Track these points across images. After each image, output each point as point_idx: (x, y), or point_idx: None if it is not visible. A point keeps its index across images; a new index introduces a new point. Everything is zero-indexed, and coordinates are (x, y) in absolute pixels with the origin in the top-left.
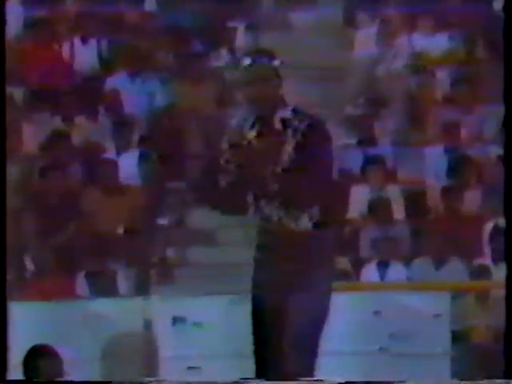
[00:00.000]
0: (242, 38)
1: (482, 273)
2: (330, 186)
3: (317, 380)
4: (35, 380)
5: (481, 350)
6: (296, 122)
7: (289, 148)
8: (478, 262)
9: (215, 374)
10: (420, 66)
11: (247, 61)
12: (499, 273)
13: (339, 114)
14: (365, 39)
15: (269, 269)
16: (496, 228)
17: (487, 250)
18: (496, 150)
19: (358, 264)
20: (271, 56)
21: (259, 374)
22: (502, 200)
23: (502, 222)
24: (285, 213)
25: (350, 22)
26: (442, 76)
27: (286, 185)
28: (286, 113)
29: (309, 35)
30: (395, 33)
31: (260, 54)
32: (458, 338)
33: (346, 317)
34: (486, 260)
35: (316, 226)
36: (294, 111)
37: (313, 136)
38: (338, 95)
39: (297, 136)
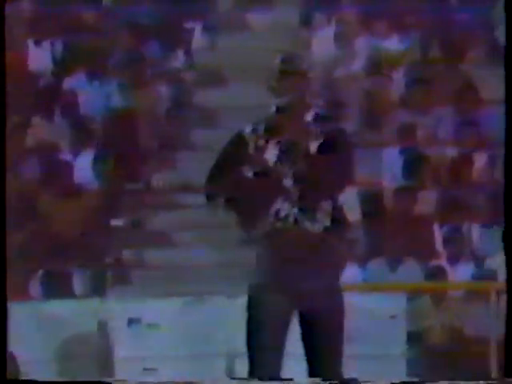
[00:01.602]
0: (198, 39)
1: (437, 274)
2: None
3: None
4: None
5: (437, 351)
6: (320, 125)
7: (312, 148)
8: (433, 263)
9: (170, 374)
10: (376, 67)
11: (281, 57)
12: (454, 274)
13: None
14: (321, 40)
15: (278, 270)
16: (451, 229)
17: (443, 250)
18: (451, 151)
19: None
20: (302, 58)
21: (253, 375)
22: (457, 201)
23: (456, 223)
24: (301, 214)
25: (306, 22)
26: (398, 77)
27: (307, 180)
28: (311, 115)
29: (265, 36)
30: (351, 34)
31: (293, 54)
32: (413, 338)
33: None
34: (442, 261)
35: (330, 227)
36: (318, 115)
37: (336, 139)
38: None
39: (320, 138)
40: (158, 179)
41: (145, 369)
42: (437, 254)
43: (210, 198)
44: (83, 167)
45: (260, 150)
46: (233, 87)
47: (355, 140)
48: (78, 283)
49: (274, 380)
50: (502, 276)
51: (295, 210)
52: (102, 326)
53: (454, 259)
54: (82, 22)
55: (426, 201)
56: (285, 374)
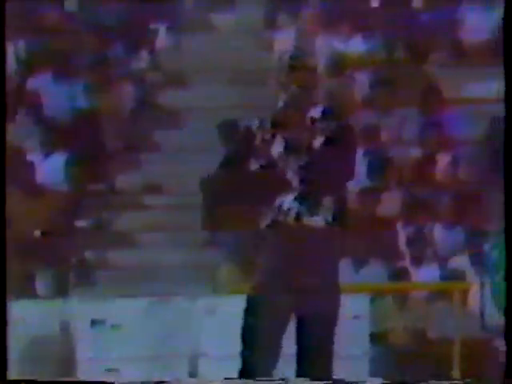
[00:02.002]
0: (162, 40)
1: (400, 274)
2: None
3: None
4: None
5: (399, 352)
6: (325, 122)
7: (317, 144)
8: (396, 263)
9: (133, 375)
10: (339, 68)
11: (290, 52)
12: (418, 274)
13: (260, 115)
14: (284, 40)
15: (279, 265)
16: (415, 230)
17: (406, 251)
18: (415, 152)
19: None
20: (310, 54)
21: (246, 375)
22: (420, 202)
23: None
24: (303, 208)
25: (270, 23)
26: (362, 78)
27: (311, 174)
28: (317, 112)
29: (230, 37)
30: (314, 34)
31: (301, 50)
32: (377, 339)
33: None
34: (405, 262)
35: (331, 222)
36: (324, 111)
37: (341, 136)
38: (259, 98)
39: (326, 134)
40: (123, 180)
41: (107, 369)
42: (400, 254)
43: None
44: (47, 168)
45: (266, 144)
46: (197, 88)
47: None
48: (41, 284)
49: (268, 380)
50: (465, 276)
51: (297, 204)
52: (65, 327)
53: (417, 260)
54: (45, 23)
55: (390, 202)
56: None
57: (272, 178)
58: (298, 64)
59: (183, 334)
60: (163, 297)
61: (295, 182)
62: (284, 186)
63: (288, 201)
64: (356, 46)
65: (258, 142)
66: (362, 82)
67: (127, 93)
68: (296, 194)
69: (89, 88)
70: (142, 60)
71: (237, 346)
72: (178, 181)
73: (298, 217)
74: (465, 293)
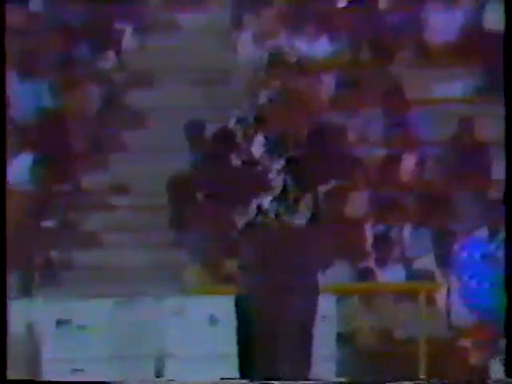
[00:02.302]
0: (129, 40)
1: (366, 275)
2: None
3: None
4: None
5: (366, 352)
6: (309, 117)
7: (302, 140)
8: (363, 264)
9: (99, 376)
10: (304, 68)
11: (269, 49)
12: (384, 275)
13: (225, 116)
14: (248, 41)
15: (261, 267)
16: (381, 230)
17: (372, 252)
18: (381, 152)
19: None
20: (289, 51)
21: (244, 375)
22: (387, 202)
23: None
24: (283, 207)
25: (236, 23)
26: (328, 79)
27: (292, 173)
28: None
29: (196, 37)
30: (276, 34)
31: (280, 47)
32: (343, 339)
33: (233, 319)
34: (371, 262)
35: (311, 221)
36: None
37: (326, 132)
38: (224, 97)
39: (310, 129)
40: (89, 180)
41: (73, 370)
42: (367, 255)
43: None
44: (13, 168)
45: (248, 140)
46: (163, 88)
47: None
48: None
49: (265, 380)
50: (431, 276)
51: (277, 203)
52: (30, 327)
53: (383, 260)
54: (10, 23)
55: (357, 202)
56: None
57: (252, 178)
58: (277, 60)
59: (150, 335)
60: (130, 297)
61: (276, 182)
62: (263, 186)
63: (268, 200)
64: (321, 47)
65: (239, 138)
66: (327, 82)
67: (93, 93)
68: (276, 193)
69: (55, 88)
70: (108, 60)
71: (203, 346)
72: (145, 181)
73: (277, 216)
74: (431, 293)
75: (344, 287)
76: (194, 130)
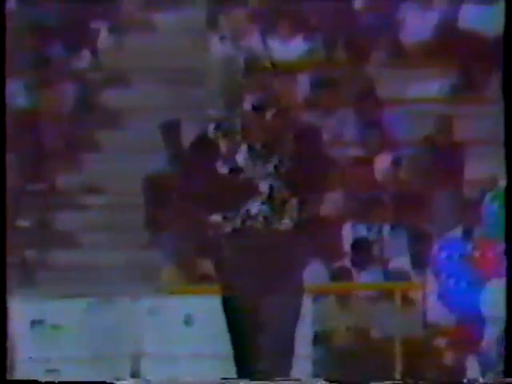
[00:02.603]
0: (104, 40)
1: (342, 275)
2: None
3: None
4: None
5: (342, 352)
6: (290, 122)
7: (288, 146)
8: (339, 264)
9: (74, 376)
10: (278, 68)
11: (245, 55)
12: (360, 274)
13: (200, 116)
14: (223, 41)
15: (248, 269)
16: (357, 230)
17: (349, 252)
18: (356, 152)
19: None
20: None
21: (240, 375)
22: (362, 202)
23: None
24: (270, 211)
25: (211, 23)
26: (302, 79)
27: (280, 179)
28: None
29: (171, 37)
30: (252, 34)
31: (258, 52)
32: (319, 339)
33: (210, 319)
34: (347, 262)
35: (298, 225)
36: (280, 111)
37: (310, 136)
38: (199, 97)
39: (295, 135)
40: (64, 180)
41: (47, 370)
42: (343, 255)
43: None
44: None
45: (232, 147)
46: (138, 87)
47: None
48: None
49: (261, 380)
50: (407, 276)
51: (265, 208)
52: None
53: (359, 260)
54: None
55: (333, 202)
56: None
57: (239, 184)
58: (255, 66)
59: (125, 334)
60: (105, 297)
61: (262, 187)
62: (251, 191)
63: (256, 205)
64: (296, 46)
65: (223, 146)
66: (302, 82)
67: (68, 92)
68: (264, 198)
69: (29, 87)
70: (83, 59)
71: (179, 346)
72: (120, 181)
73: (266, 221)
74: (407, 293)
75: (320, 287)
76: (169, 129)
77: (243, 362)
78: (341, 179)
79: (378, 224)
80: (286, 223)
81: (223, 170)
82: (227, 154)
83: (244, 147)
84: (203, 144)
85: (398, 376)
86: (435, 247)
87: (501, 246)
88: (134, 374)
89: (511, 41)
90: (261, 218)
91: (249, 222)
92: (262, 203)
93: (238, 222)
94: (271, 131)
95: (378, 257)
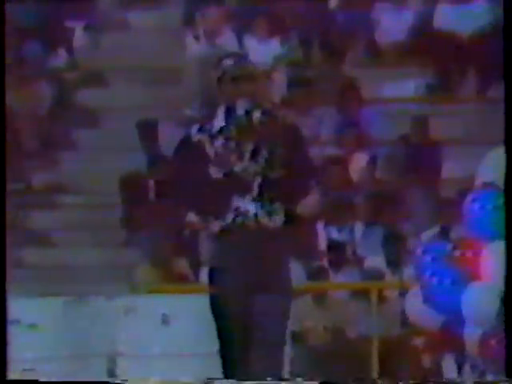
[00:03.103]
0: (80, 38)
1: (319, 274)
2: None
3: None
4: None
5: (319, 351)
6: (268, 122)
7: (276, 146)
8: (315, 263)
9: (50, 376)
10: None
11: (229, 60)
12: (337, 274)
13: (177, 115)
14: (200, 40)
15: (238, 268)
16: (334, 229)
17: (324, 251)
18: (333, 151)
19: (198, 266)
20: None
21: (226, 374)
22: (339, 201)
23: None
24: (261, 209)
25: (187, 22)
26: (279, 78)
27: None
28: (258, 113)
29: (148, 36)
30: (228, 34)
31: (240, 57)
32: (296, 338)
33: (186, 319)
34: (324, 262)
35: (287, 222)
36: (264, 112)
37: (291, 133)
38: (175, 96)
39: (273, 134)
40: (39, 179)
41: (24, 369)
42: (319, 254)
43: None
44: None
45: (226, 150)
46: (115, 87)
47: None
48: None
49: (250, 380)
50: (384, 275)
51: (254, 205)
52: None
53: (336, 260)
54: None
55: (309, 201)
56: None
57: (229, 182)
58: (241, 72)
59: (101, 334)
60: (80, 296)
61: (253, 185)
62: (241, 189)
63: (246, 203)
64: (272, 46)
65: (209, 148)
66: (279, 81)
67: (44, 91)
68: (253, 196)
69: (5, 87)
70: (59, 58)
71: (155, 345)
72: (96, 180)
73: (256, 218)
74: (384, 292)
75: (296, 286)
76: (147, 128)
77: (231, 361)
78: (317, 178)
79: (354, 223)
80: (275, 221)
81: (213, 171)
82: (215, 155)
83: (232, 147)
84: (187, 147)
85: (375, 375)
86: (414, 246)
87: (481, 246)
88: (110, 374)
89: (511, 41)
90: (251, 216)
91: (239, 220)
92: (252, 201)
93: (228, 220)
94: (259, 132)
95: (354, 256)
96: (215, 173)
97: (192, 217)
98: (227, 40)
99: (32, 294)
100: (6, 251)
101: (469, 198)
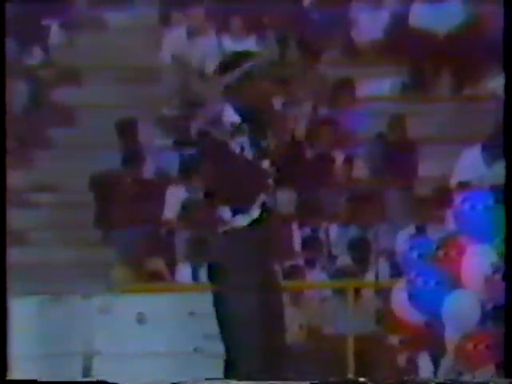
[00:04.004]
0: (55, 37)
1: (294, 273)
2: None
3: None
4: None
5: (295, 350)
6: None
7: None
8: (290, 262)
9: (28, 376)
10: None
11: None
12: (312, 273)
13: (155, 114)
14: (178, 39)
15: (257, 264)
16: (309, 228)
17: (300, 250)
18: (308, 152)
19: (173, 265)
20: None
21: (229, 374)
22: (314, 201)
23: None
24: (276, 204)
25: (164, 21)
26: None
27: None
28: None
29: (124, 34)
30: (205, 33)
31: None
32: None
33: (162, 318)
34: (299, 261)
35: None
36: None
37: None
38: (153, 96)
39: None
40: (14, 177)
41: None
42: (295, 253)
43: None
44: None
45: (248, 147)
46: (90, 85)
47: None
48: None
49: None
50: (360, 274)
51: (272, 200)
52: None
53: (311, 259)
54: None
55: (284, 201)
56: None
57: (255, 178)
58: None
59: (77, 333)
60: (56, 295)
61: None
62: (265, 185)
63: (266, 198)
64: (249, 44)
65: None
66: None
67: (19, 89)
68: (269, 191)
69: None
70: (35, 57)
71: (131, 344)
72: (71, 178)
73: (271, 212)
74: (360, 291)
75: None
76: (125, 127)
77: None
78: (293, 176)
79: (330, 222)
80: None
81: (243, 164)
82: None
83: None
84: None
85: (350, 374)
86: (410, 247)
87: (466, 247)
88: (86, 373)
89: (511, 41)
90: (270, 210)
91: (264, 214)
92: (268, 196)
93: (254, 214)
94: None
95: (330, 255)
96: (246, 165)
97: (226, 212)
98: (206, 39)
99: (8, 293)
100: (6, 251)
101: (456, 198)
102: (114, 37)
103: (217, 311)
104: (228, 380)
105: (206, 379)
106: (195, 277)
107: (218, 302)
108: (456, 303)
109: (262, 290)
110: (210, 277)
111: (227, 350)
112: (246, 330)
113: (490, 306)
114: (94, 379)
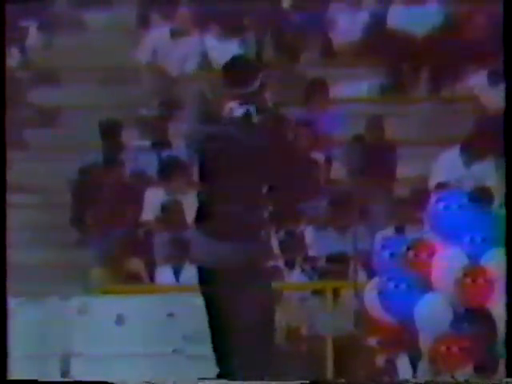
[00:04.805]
0: (33, 38)
1: (273, 274)
2: None
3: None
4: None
5: (280, 350)
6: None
7: None
8: (269, 263)
9: (3, 376)
10: (212, 67)
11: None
12: (291, 274)
13: (133, 115)
14: (157, 40)
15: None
16: (287, 229)
17: (279, 252)
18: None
19: (152, 266)
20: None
21: (222, 375)
22: (291, 201)
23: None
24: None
25: (143, 22)
26: None
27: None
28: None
29: (103, 35)
30: (186, 33)
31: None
32: None
33: (140, 319)
34: (279, 262)
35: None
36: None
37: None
38: (131, 97)
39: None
40: None
41: None
42: (273, 254)
43: None
44: None
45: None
46: (69, 86)
47: None
48: None
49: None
50: (339, 275)
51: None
52: None
53: (290, 260)
54: None
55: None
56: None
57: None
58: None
59: (55, 334)
60: (33, 296)
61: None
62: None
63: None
64: (228, 45)
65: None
66: None
67: None
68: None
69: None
70: (13, 58)
71: (109, 345)
72: (47, 179)
73: None
74: (339, 292)
75: None
76: (108, 128)
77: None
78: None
79: (309, 223)
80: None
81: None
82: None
83: None
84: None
85: (329, 375)
86: (370, 246)
87: (439, 249)
88: (65, 374)
89: (511, 41)
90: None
91: None
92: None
93: None
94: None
95: (309, 256)
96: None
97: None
98: (186, 40)
99: None
100: (6, 251)
101: (431, 198)
102: (92, 38)
103: (208, 312)
104: (224, 380)
105: (198, 379)
106: (177, 278)
107: (210, 304)
108: (427, 306)
109: (251, 290)
110: (201, 279)
111: (216, 350)
112: (236, 332)
113: (461, 309)
114: (72, 380)
